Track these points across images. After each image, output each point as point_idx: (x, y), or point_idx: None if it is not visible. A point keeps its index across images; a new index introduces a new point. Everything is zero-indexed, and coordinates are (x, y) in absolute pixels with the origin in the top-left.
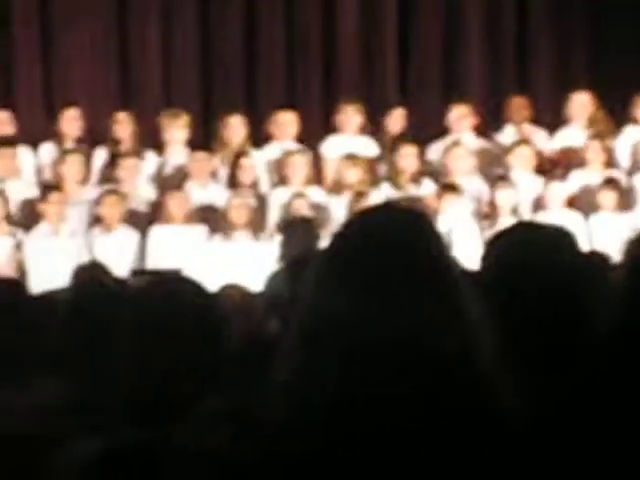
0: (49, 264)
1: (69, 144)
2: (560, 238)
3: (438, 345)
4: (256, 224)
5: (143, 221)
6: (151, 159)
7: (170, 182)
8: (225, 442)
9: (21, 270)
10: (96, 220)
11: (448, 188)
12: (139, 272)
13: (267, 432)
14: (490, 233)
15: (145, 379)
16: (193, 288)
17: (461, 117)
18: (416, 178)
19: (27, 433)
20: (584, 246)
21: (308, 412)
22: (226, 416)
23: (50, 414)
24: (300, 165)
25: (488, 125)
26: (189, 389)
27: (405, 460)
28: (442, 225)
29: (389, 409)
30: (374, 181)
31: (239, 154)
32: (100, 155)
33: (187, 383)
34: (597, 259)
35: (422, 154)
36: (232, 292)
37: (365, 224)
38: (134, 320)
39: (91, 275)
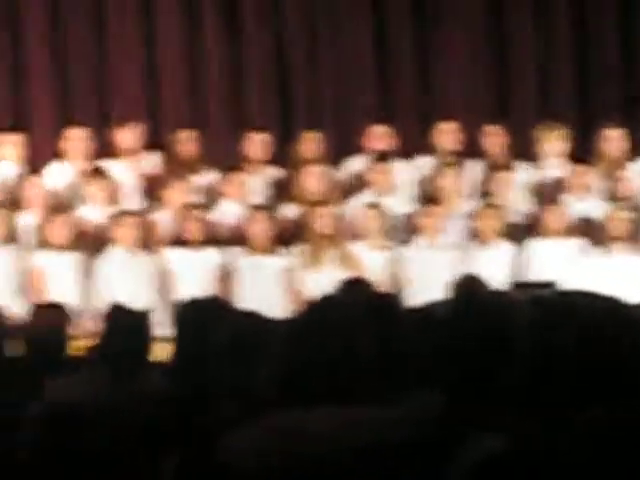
0: (426, 277)
1: (446, 157)
2: None
3: None
4: (635, 237)
5: (519, 234)
6: (525, 171)
7: (547, 195)
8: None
9: (397, 283)
10: (473, 233)
11: None
12: (519, 285)
13: None
14: None
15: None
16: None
17: None
18: None
19: (397, 442)
20: None
21: None
22: (605, 426)
23: (421, 425)
24: None
25: None
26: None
27: None
28: None
29: None
30: None
31: (617, 167)
32: (475, 168)
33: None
34: None
35: None
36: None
37: None
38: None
39: (469, 288)
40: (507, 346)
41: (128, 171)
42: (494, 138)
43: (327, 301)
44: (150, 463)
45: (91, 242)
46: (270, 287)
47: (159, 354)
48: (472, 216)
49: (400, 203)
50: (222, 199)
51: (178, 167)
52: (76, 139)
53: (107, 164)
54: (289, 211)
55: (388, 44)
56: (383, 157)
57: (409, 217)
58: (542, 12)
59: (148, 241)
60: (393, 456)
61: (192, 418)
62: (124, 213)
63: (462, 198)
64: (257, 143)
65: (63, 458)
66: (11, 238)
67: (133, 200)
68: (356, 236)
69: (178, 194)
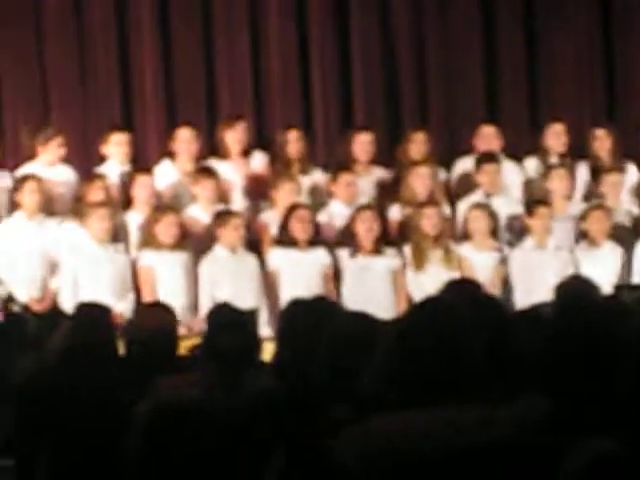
0: (534, 278)
1: (553, 159)
2: None
3: None
4: None
5: (628, 236)
6: (632, 173)
7: None
8: None
9: (505, 285)
10: (582, 235)
11: None
12: (627, 287)
13: None
14: None
15: None
16: None
17: None
18: None
19: (502, 443)
20: None
21: None
22: None
23: (527, 427)
24: None
25: None
26: None
27: None
28: None
29: None
30: None
31: None
32: (582, 170)
33: None
34: None
35: None
36: None
37: None
38: None
39: (576, 290)
40: (616, 349)
41: (235, 171)
42: (602, 141)
43: (434, 302)
44: (253, 462)
45: (198, 242)
46: (377, 288)
47: (263, 354)
48: (580, 218)
49: (508, 204)
50: (329, 199)
51: (285, 167)
52: (184, 139)
53: (214, 164)
54: (396, 212)
55: (496, 44)
56: (491, 158)
57: (517, 218)
58: None
59: (254, 241)
60: (498, 457)
61: (296, 418)
62: (228, 213)
63: (570, 200)
64: (364, 143)
65: (170, 455)
66: (119, 237)
67: (240, 200)
68: (464, 237)
69: (285, 194)
